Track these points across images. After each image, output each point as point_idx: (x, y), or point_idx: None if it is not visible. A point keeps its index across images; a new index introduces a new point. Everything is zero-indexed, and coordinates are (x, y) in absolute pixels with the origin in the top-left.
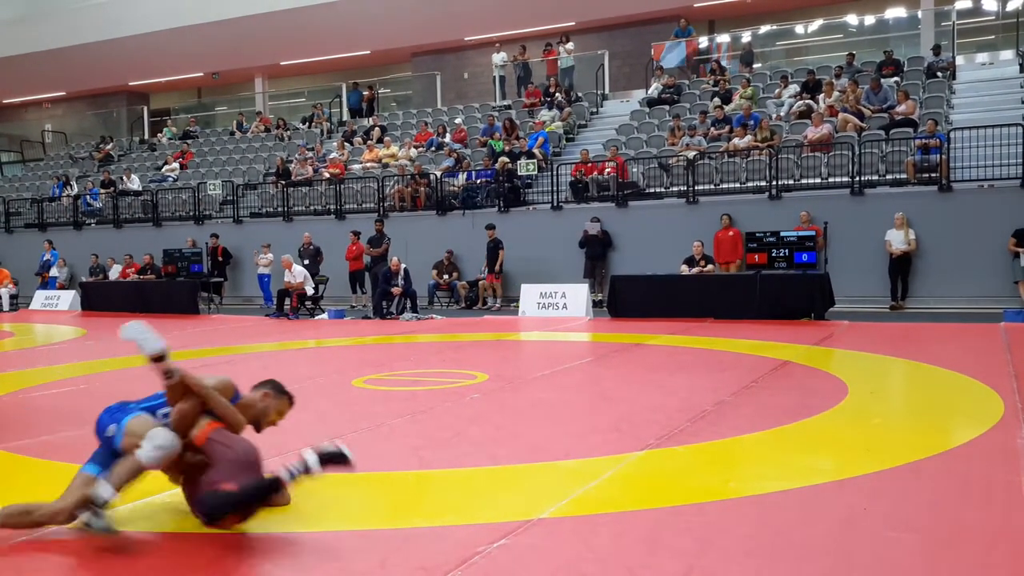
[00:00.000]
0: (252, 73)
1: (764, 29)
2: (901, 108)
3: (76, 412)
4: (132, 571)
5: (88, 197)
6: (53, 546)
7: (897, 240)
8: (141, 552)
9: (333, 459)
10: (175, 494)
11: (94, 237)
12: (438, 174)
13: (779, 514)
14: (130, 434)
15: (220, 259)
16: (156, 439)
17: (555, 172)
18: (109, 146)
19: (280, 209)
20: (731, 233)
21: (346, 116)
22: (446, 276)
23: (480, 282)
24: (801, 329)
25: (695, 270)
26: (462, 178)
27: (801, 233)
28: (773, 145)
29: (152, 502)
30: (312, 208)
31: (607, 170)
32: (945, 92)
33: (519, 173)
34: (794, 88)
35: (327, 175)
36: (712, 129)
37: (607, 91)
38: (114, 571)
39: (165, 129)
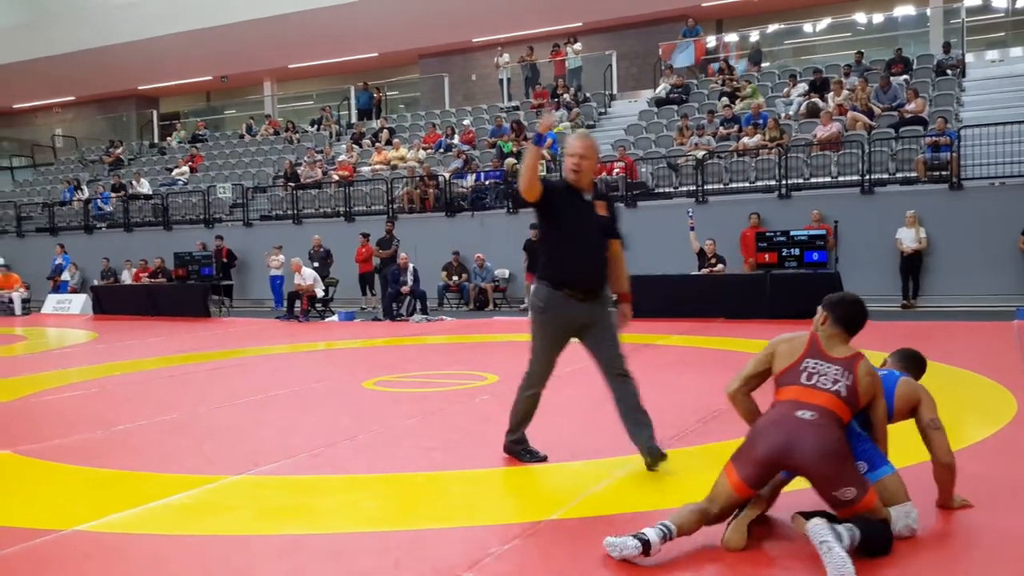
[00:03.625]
0: (261, 76)
1: (772, 28)
2: (911, 106)
3: (88, 416)
4: (141, 573)
5: (99, 201)
6: (63, 551)
7: (908, 238)
8: (145, 554)
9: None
10: (185, 496)
11: (105, 241)
12: (447, 175)
13: (789, 514)
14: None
15: (225, 261)
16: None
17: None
18: (119, 150)
19: (289, 212)
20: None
21: (355, 118)
22: (455, 278)
23: (489, 285)
24: None
25: (705, 269)
26: (471, 179)
27: (812, 232)
28: (782, 144)
29: (154, 507)
30: (321, 210)
31: (616, 170)
32: (955, 90)
33: None
34: (803, 87)
35: (336, 177)
36: (721, 128)
37: (615, 91)
38: (123, 574)
39: (175, 133)
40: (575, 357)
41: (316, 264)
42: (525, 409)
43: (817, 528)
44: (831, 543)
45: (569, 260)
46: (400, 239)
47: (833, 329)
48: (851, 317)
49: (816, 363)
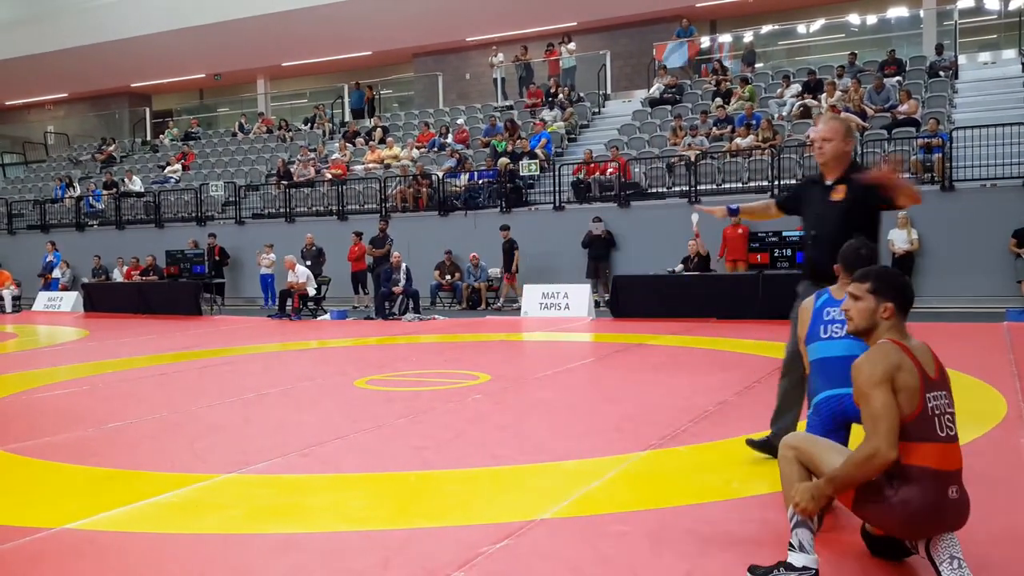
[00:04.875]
0: (254, 74)
1: (766, 29)
2: (903, 108)
3: (80, 413)
4: (133, 571)
5: (91, 198)
6: (55, 549)
7: (900, 239)
8: (139, 553)
9: None
10: (176, 495)
11: (96, 238)
12: (440, 175)
13: (782, 514)
14: None
15: (217, 259)
16: None
17: (557, 172)
18: (111, 147)
19: (282, 210)
20: (740, 231)
21: (348, 117)
22: (448, 277)
23: (483, 284)
24: None
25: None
26: (464, 179)
27: (804, 232)
28: (775, 145)
29: (147, 505)
30: (314, 209)
31: (609, 170)
32: (947, 91)
33: (521, 173)
34: (796, 88)
35: (329, 176)
36: (714, 129)
37: (609, 91)
38: (115, 572)
39: (167, 130)
40: (570, 358)
41: (308, 262)
42: (778, 401)
43: (955, 545)
44: (963, 561)
45: (807, 251)
46: (393, 238)
47: (901, 322)
48: (911, 298)
49: (934, 395)
